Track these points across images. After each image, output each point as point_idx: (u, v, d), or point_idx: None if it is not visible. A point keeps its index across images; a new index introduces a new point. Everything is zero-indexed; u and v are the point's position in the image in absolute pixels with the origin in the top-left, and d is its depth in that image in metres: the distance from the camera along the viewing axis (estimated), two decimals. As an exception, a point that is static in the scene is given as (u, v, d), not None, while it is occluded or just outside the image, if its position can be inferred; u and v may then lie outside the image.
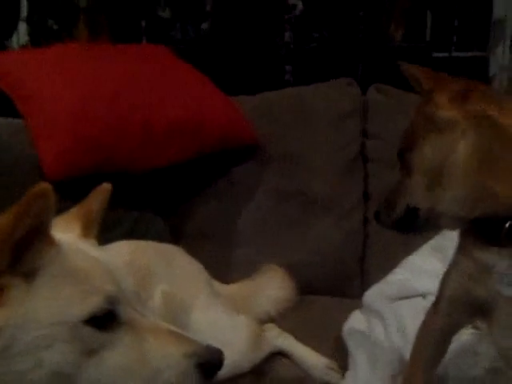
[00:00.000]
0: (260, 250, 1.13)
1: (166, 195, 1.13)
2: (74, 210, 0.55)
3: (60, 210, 0.55)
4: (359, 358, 0.81)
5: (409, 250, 1.05)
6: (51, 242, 0.45)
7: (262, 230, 1.16)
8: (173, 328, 0.48)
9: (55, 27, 1.87)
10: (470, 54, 2.45)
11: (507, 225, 0.58)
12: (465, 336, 0.74)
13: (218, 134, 1.09)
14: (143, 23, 1.97)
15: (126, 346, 0.44)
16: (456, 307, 0.65)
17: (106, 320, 0.43)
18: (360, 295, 1.05)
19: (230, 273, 1.08)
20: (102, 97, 0.91)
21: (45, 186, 0.42)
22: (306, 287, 1.09)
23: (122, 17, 1.91)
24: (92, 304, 0.43)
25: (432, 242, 1.03)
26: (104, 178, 1.01)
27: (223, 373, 0.74)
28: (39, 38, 1.80)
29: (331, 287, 1.13)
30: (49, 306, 0.42)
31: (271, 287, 1.00)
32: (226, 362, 0.73)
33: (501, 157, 0.59)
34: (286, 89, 1.43)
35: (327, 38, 1.94)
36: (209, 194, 1.18)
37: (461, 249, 0.66)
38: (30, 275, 0.43)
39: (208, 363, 0.47)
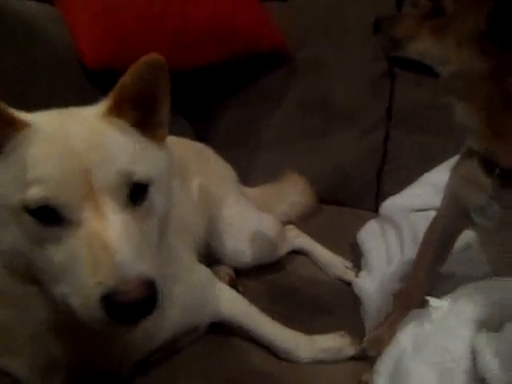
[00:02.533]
0: (282, 158, 1.16)
1: (194, 99, 1.14)
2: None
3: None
4: (373, 259, 0.87)
5: (426, 169, 1.08)
6: (19, 125, 0.44)
7: (285, 137, 1.19)
8: (116, 238, 0.42)
9: None
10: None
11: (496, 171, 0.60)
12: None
13: (248, 39, 1.07)
14: None
15: (64, 243, 0.42)
16: (452, 211, 0.70)
17: (45, 214, 0.42)
18: (375, 209, 1.11)
19: (252, 177, 1.12)
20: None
21: None
22: (324, 196, 1.15)
23: None
24: (29, 195, 0.41)
25: (450, 161, 1.05)
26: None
27: (250, 261, 0.83)
28: None
29: (348, 199, 1.17)
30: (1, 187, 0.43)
31: (292, 193, 1.05)
32: (253, 252, 0.81)
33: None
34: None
35: None
36: (235, 101, 1.19)
37: (458, 164, 0.68)
38: None
39: (115, 300, 0.39)
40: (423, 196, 1.00)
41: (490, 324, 0.54)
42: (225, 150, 1.15)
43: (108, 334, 0.51)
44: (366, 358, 0.65)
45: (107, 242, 0.41)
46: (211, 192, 0.80)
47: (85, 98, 0.58)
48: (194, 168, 0.80)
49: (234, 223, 0.81)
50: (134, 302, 0.39)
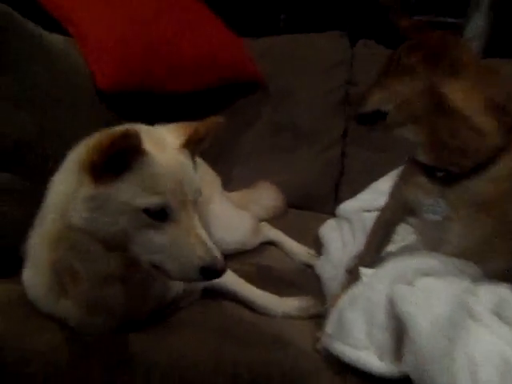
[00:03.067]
0: (255, 170, 1.37)
1: (181, 119, 1.32)
2: (187, 125, 0.71)
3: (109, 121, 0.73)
4: (331, 246, 1.08)
5: (375, 179, 1.31)
6: (141, 152, 0.62)
7: (257, 153, 1.40)
8: (203, 233, 0.64)
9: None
10: (449, 19, 2.64)
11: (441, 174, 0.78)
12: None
13: (229, 69, 1.29)
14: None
15: (166, 233, 0.62)
16: (395, 207, 0.90)
17: (158, 214, 0.62)
18: (333, 213, 1.32)
19: (231, 186, 1.31)
20: (137, 28, 1.07)
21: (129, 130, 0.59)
22: (291, 202, 1.35)
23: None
24: (150, 201, 0.61)
25: (393, 172, 1.29)
26: (141, 95, 1.19)
27: (233, 248, 1.01)
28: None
29: (311, 204, 1.39)
30: (126, 193, 0.62)
31: (264, 197, 1.25)
32: (234, 240, 1.00)
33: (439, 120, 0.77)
34: (285, 35, 1.60)
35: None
36: (215, 121, 1.39)
37: (405, 173, 0.88)
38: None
39: (209, 268, 0.63)
40: (371, 200, 1.23)
41: (402, 280, 0.75)
42: (207, 163, 1.35)
43: (142, 289, 0.69)
44: (325, 318, 0.85)
45: (200, 234, 0.64)
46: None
47: (98, 116, 0.75)
48: None
49: (219, 217, 1.00)
50: (220, 269, 0.63)
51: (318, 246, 1.14)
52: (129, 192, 0.62)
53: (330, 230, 1.15)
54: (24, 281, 0.74)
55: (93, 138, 0.65)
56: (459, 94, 0.76)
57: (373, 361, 0.71)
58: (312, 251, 1.10)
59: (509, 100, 0.79)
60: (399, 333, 0.71)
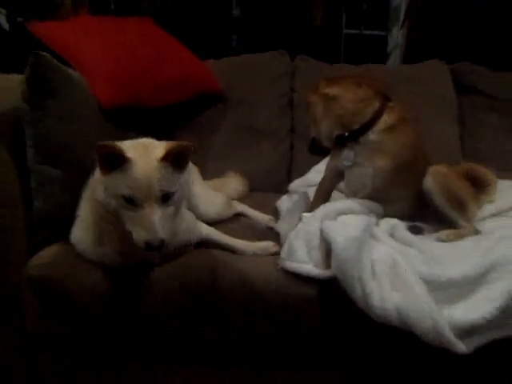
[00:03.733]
0: (224, 163, 1.71)
1: (161, 126, 1.68)
2: (175, 143, 0.97)
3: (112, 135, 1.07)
4: (285, 213, 1.45)
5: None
6: (126, 159, 0.93)
7: (225, 150, 1.75)
8: (156, 219, 0.92)
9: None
10: (374, 32, 3.12)
11: (346, 134, 1.22)
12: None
13: (197, 86, 1.65)
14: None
15: (133, 213, 0.93)
16: (331, 174, 1.32)
17: (129, 200, 0.93)
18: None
19: (205, 177, 1.66)
20: (126, 59, 1.42)
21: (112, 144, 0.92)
22: (253, 187, 1.72)
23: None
24: (124, 192, 0.92)
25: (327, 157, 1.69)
26: (134, 111, 1.53)
27: (213, 218, 1.36)
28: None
29: (269, 188, 1.75)
30: (114, 184, 0.95)
31: (233, 183, 1.61)
32: (214, 212, 1.36)
33: (330, 108, 1.22)
34: (238, 56, 1.98)
35: (268, 18, 2.46)
36: (190, 127, 1.75)
37: (332, 153, 1.31)
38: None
39: (149, 242, 0.91)
40: (313, 178, 1.62)
41: (329, 218, 1.14)
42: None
43: None
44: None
45: (152, 219, 0.92)
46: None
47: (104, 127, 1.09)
48: None
49: (201, 196, 1.35)
50: (156, 245, 0.92)
51: (276, 214, 1.51)
52: (115, 183, 0.93)
53: (283, 202, 1.52)
54: (73, 237, 1.07)
55: None
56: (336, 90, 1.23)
57: (312, 269, 1.07)
58: (271, 217, 1.47)
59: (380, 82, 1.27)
60: (328, 250, 1.08)
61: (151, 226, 0.91)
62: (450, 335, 0.95)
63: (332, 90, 1.23)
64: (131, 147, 0.97)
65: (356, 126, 1.20)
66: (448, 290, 1.02)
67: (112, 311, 1.08)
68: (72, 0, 2.18)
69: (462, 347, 0.97)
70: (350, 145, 1.22)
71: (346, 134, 1.22)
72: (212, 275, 1.08)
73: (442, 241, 1.19)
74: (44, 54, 1.11)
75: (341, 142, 1.24)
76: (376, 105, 1.20)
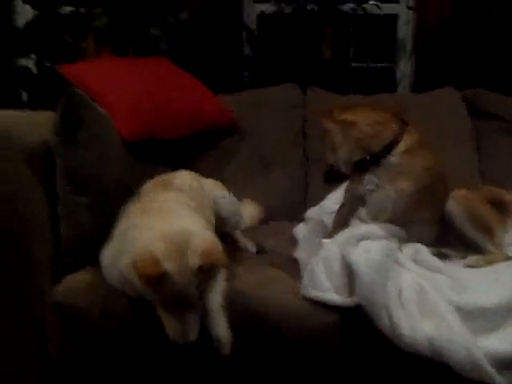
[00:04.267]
0: (240, 192, 1.70)
1: (182, 159, 1.70)
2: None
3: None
4: (302, 240, 1.41)
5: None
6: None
7: (240, 179, 1.74)
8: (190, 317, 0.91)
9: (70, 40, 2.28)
10: (381, 64, 3.19)
11: (368, 157, 1.20)
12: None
13: (211, 118, 1.69)
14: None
15: None
16: (350, 199, 1.30)
17: None
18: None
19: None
20: (145, 96, 1.48)
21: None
22: (268, 216, 1.70)
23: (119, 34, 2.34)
24: None
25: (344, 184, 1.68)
26: (155, 143, 1.56)
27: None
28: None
29: (284, 216, 1.72)
30: None
31: (248, 209, 1.60)
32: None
33: (349, 133, 1.21)
34: (250, 90, 2.02)
35: (276, 53, 2.54)
36: (206, 157, 1.76)
37: (350, 179, 1.29)
38: None
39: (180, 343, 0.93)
40: (328, 205, 1.59)
41: (350, 243, 1.10)
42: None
43: None
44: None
45: (186, 325, 0.93)
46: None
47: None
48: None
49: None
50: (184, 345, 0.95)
51: (293, 243, 1.47)
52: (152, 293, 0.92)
53: (300, 229, 1.49)
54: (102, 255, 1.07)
55: None
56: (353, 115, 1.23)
57: (335, 297, 1.03)
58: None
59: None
60: (350, 276, 1.04)
61: (184, 329, 0.91)
62: (487, 367, 0.89)
63: (349, 116, 1.22)
64: (167, 255, 0.92)
65: (377, 149, 1.19)
66: (480, 318, 0.97)
67: (140, 341, 1.05)
68: (94, 44, 2.29)
69: (500, 380, 0.90)
70: (372, 169, 1.20)
71: (368, 157, 1.20)
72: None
73: (471, 267, 1.14)
74: (76, 90, 1.17)
75: (361, 167, 1.22)
76: (394, 127, 1.19)
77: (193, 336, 0.91)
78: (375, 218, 1.22)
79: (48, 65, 2.01)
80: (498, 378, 0.90)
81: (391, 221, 1.18)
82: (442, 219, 1.25)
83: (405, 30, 2.99)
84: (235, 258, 1.24)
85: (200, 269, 0.91)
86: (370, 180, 1.21)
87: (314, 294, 1.04)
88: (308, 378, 1.07)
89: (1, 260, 1.10)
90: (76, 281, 1.12)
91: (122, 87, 1.46)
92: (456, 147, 1.80)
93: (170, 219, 1.03)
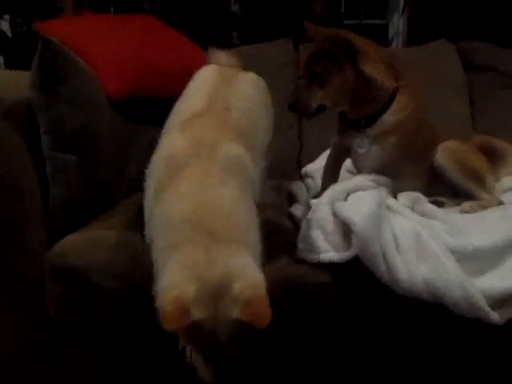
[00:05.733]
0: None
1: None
2: None
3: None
4: (300, 194, 1.41)
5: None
6: None
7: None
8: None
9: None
10: (374, 21, 3.12)
11: (362, 121, 1.15)
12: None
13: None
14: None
15: None
16: (337, 152, 1.28)
17: None
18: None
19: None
20: (131, 52, 1.41)
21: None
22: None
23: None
24: None
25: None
26: (140, 102, 1.51)
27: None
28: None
29: (279, 175, 1.72)
30: None
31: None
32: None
33: (360, 89, 1.11)
34: (242, 46, 1.96)
35: (266, 10, 2.47)
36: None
37: (338, 129, 1.25)
38: None
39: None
40: (320, 162, 1.59)
41: (339, 199, 1.09)
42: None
43: None
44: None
45: (216, 374, 0.79)
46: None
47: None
48: None
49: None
50: None
51: (290, 199, 1.48)
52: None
53: (297, 186, 1.49)
54: None
55: None
56: (372, 69, 1.12)
57: (334, 255, 1.03)
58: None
59: (391, 59, 1.18)
60: (345, 232, 1.04)
61: (214, 375, 0.77)
62: (483, 304, 0.92)
63: (372, 71, 1.10)
64: (198, 301, 0.72)
65: (373, 111, 1.15)
66: (476, 260, 0.99)
67: (138, 298, 1.04)
68: (73, 3, 2.20)
69: (495, 317, 0.93)
70: (363, 130, 1.17)
71: (363, 121, 1.16)
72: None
73: (466, 212, 1.15)
74: (53, 39, 1.09)
75: (352, 125, 1.19)
76: (393, 86, 1.15)
77: (225, 380, 0.76)
78: (363, 169, 1.22)
79: (25, 28, 1.92)
80: (492, 314, 0.93)
81: (377, 171, 1.17)
82: (433, 171, 1.25)
83: (398, -16, 2.92)
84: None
85: (237, 321, 0.73)
86: (361, 143, 1.18)
87: (312, 257, 1.04)
88: (306, 338, 1.09)
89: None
90: (71, 242, 1.10)
91: (106, 42, 1.39)
92: (449, 102, 1.79)
93: (213, 248, 0.76)
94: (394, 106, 1.15)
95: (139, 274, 1.02)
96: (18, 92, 1.13)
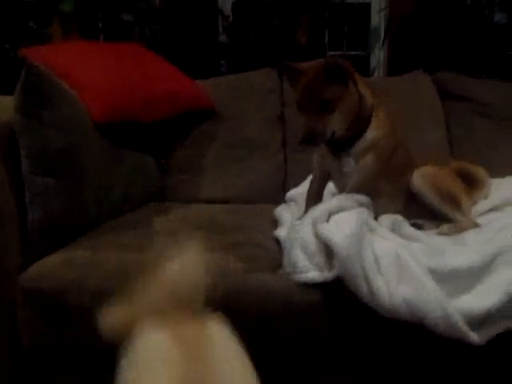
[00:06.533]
0: (218, 176, 1.73)
1: (162, 144, 1.69)
2: None
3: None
4: (283, 218, 1.44)
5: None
6: None
7: (219, 164, 1.75)
8: None
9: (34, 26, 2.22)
10: (356, 52, 3.25)
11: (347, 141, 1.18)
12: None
13: (187, 101, 1.68)
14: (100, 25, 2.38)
15: None
16: (320, 174, 1.31)
17: None
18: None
19: (200, 193, 1.69)
20: (117, 77, 1.44)
21: None
22: (249, 199, 1.72)
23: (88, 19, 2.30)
24: None
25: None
26: (129, 126, 1.54)
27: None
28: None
29: (265, 200, 1.75)
30: None
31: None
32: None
33: (357, 107, 1.14)
34: (228, 75, 2.02)
35: (252, 40, 2.55)
36: (183, 143, 1.75)
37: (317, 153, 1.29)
38: None
39: None
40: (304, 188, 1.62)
41: (321, 220, 1.11)
42: (179, 175, 1.70)
43: None
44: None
45: None
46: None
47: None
48: None
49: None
50: None
51: (274, 224, 1.50)
52: None
53: (281, 209, 1.52)
54: None
55: None
56: (361, 88, 1.17)
57: (316, 275, 1.05)
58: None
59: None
60: (328, 253, 1.06)
61: None
62: (461, 324, 0.94)
63: (363, 91, 1.16)
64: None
65: (360, 129, 1.17)
66: (454, 280, 1.01)
67: None
68: (61, 30, 2.23)
69: (474, 337, 0.95)
70: (348, 150, 1.20)
71: (349, 135, 1.17)
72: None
73: (444, 234, 1.19)
74: (37, 65, 1.12)
75: (337, 146, 1.21)
76: (372, 103, 1.19)
77: None
78: (344, 188, 1.25)
79: (11, 54, 1.94)
80: (472, 335, 0.94)
81: (356, 190, 1.20)
82: (410, 193, 1.28)
83: (377, 18, 3.07)
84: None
85: None
86: (347, 162, 1.21)
87: (296, 277, 1.06)
88: (295, 354, 1.09)
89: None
90: (45, 265, 1.09)
91: (92, 67, 1.42)
92: (427, 127, 1.86)
93: None
94: (373, 123, 1.19)
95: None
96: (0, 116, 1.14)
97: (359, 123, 1.18)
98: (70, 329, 1.05)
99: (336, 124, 1.13)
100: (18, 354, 1.08)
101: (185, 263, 0.73)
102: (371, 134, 1.20)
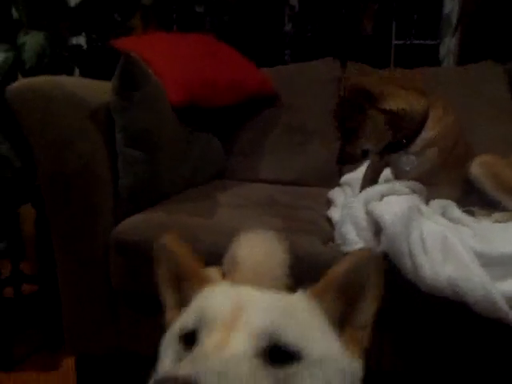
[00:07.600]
0: (277, 161, 1.83)
1: (223, 126, 1.85)
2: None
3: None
4: (337, 200, 1.51)
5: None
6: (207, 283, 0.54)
7: (278, 148, 1.86)
8: None
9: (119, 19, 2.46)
10: (424, 41, 3.16)
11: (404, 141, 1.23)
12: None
13: (252, 88, 1.81)
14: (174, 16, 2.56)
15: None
16: (376, 165, 1.37)
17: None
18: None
19: (260, 175, 1.81)
20: (191, 65, 1.62)
21: None
22: (305, 183, 1.81)
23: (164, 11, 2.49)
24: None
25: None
26: (199, 110, 1.70)
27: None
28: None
29: (320, 183, 1.83)
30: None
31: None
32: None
33: (397, 123, 1.19)
34: (291, 64, 2.12)
35: (319, 30, 2.60)
36: (246, 127, 1.89)
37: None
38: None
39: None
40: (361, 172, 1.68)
41: (374, 200, 1.18)
42: (241, 158, 1.84)
43: None
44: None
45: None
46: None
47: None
48: None
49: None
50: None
51: (328, 205, 1.58)
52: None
53: (335, 192, 1.59)
54: None
55: None
56: (396, 103, 1.20)
57: (362, 247, 1.12)
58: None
59: (414, 81, 1.28)
60: (376, 230, 1.12)
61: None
62: (502, 303, 0.96)
63: (396, 105, 1.19)
64: None
65: (412, 132, 1.22)
66: (500, 265, 1.03)
67: None
68: (142, 22, 2.46)
69: (515, 318, 0.97)
70: (405, 149, 1.25)
71: (404, 141, 1.24)
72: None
73: (498, 222, 1.20)
74: (133, 54, 1.30)
75: (393, 148, 1.26)
76: (424, 104, 1.22)
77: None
78: (399, 178, 1.30)
79: (99, 43, 2.17)
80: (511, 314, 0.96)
81: (414, 180, 1.24)
82: (466, 183, 1.30)
83: (451, 4, 2.95)
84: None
85: None
86: (408, 161, 1.26)
87: (345, 248, 1.14)
88: None
89: (72, 208, 1.29)
90: (132, 222, 1.29)
91: (170, 56, 1.59)
92: (494, 120, 1.81)
93: None
94: (430, 123, 1.24)
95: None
96: (99, 97, 1.35)
97: (409, 128, 1.22)
98: (150, 276, 1.22)
99: (364, 145, 1.22)
100: (109, 294, 1.31)
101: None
102: (430, 132, 1.24)
